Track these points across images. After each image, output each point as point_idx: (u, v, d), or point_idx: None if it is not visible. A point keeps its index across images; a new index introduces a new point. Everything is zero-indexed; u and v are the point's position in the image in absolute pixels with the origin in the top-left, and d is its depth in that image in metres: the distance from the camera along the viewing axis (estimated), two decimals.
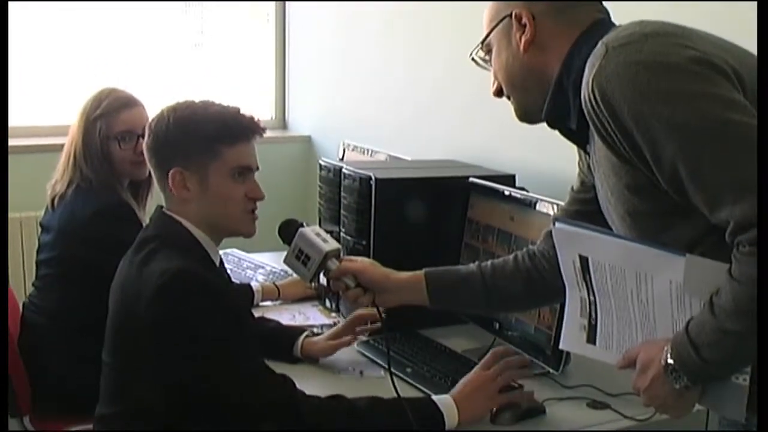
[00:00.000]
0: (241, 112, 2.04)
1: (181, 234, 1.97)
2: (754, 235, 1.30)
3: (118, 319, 1.95)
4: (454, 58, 3.31)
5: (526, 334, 2.28)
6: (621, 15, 1.68)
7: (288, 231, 2.04)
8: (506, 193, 2.43)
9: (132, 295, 1.88)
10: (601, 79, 1.42)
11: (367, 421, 1.85)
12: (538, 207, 2.27)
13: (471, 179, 2.57)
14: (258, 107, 4.75)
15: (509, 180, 2.65)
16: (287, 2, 4.70)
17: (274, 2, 4.72)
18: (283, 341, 2.36)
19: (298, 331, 2.42)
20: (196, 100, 2.04)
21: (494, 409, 1.98)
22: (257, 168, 2.06)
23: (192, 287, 1.84)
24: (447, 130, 3.49)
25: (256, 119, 2.04)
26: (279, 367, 2.00)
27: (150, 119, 2.06)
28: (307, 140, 4.64)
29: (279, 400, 1.84)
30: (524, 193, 2.40)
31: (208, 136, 1.97)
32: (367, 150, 3.36)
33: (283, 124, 4.85)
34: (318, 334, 2.43)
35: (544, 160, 2.83)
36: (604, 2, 1.70)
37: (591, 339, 1.66)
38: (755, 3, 1.56)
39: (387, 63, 3.92)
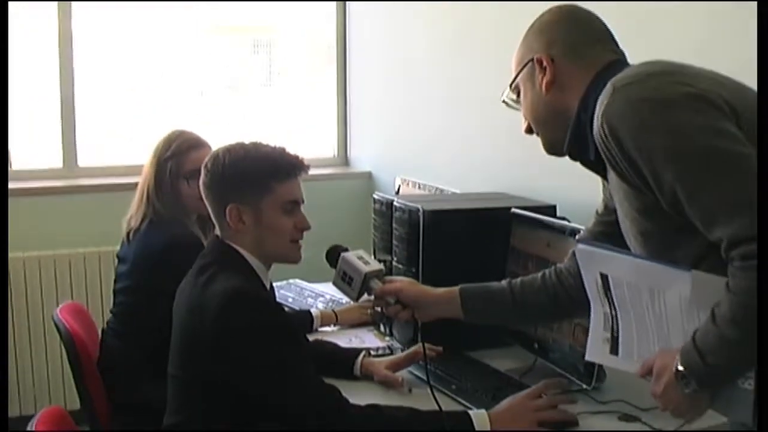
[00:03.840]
0: (287, 150, 2.23)
1: (236, 260, 2.18)
2: (744, 250, 1.45)
3: (184, 335, 2.15)
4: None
5: (563, 352, 2.42)
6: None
7: (333, 256, 2.25)
8: (547, 222, 2.58)
9: (196, 313, 2.09)
10: (609, 114, 1.60)
11: (404, 427, 2.03)
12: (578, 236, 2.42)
13: (513, 210, 2.73)
14: (321, 145, 5.00)
15: (551, 210, 2.79)
16: (348, 47, 4.94)
17: (335, 46, 4.95)
18: (343, 361, 2.52)
19: (355, 351, 2.57)
20: (246, 141, 2.24)
21: None
22: (303, 201, 2.24)
23: (251, 303, 2.05)
24: (497, 164, 3.64)
25: (300, 158, 2.23)
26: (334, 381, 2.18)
27: (206, 159, 2.26)
28: (368, 176, 4.83)
29: (329, 407, 2.01)
30: (564, 222, 2.54)
31: (261, 174, 2.17)
32: (421, 184, 3.53)
33: (345, 161, 5.06)
34: (374, 356, 2.60)
35: (585, 191, 2.97)
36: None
37: (614, 350, 1.81)
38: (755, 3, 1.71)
39: (440, 102, 4.12)
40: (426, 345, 2.29)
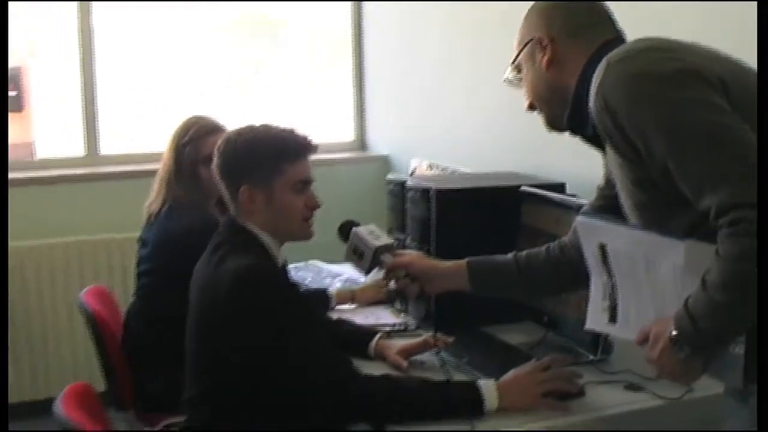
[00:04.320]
0: (296, 131, 2.29)
1: (249, 239, 2.24)
2: (731, 217, 1.51)
3: (200, 310, 2.23)
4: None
5: (571, 325, 2.47)
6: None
7: (345, 230, 2.31)
8: (555, 199, 2.63)
9: (211, 289, 2.17)
10: (604, 89, 1.65)
11: (414, 397, 2.09)
12: None
13: (522, 188, 2.79)
14: (340, 130, 5.09)
15: (560, 188, 2.85)
16: (364, 33, 5.02)
17: (350, 36, 5.03)
18: (359, 341, 2.57)
19: (371, 333, 2.61)
20: (257, 124, 2.30)
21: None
22: (313, 180, 2.30)
23: (262, 278, 2.13)
24: (512, 144, 3.70)
25: (308, 138, 2.29)
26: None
27: (219, 142, 2.32)
28: (385, 159, 4.90)
29: (341, 376, 2.09)
30: (571, 199, 2.59)
31: (272, 156, 2.23)
32: (435, 165, 3.59)
33: (362, 145, 5.14)
34: (389, 332, 2.69)
35: (594, 169, 3.02)
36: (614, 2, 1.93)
37: (612, 319, 1.87)
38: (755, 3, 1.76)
39: (455, 86, 4.18)
40: (438, 335, 2.36)
